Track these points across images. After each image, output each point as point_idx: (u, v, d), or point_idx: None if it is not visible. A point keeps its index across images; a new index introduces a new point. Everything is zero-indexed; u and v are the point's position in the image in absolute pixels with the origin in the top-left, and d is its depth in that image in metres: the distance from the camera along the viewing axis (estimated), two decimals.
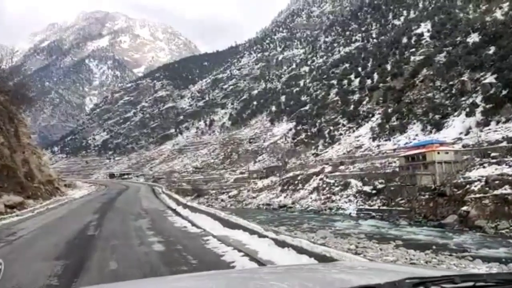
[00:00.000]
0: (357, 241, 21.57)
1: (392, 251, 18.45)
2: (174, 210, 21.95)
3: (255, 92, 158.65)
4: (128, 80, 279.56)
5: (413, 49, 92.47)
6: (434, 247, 21.09)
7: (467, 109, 50.02)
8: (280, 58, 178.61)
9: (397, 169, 43.01)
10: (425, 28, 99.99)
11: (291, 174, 66.54)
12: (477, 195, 29.27)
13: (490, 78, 50.62)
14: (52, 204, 26.92)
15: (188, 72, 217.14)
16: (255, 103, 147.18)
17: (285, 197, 60.80)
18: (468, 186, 31.10)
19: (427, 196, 33.95)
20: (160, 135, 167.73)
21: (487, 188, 29.45)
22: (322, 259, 6.78)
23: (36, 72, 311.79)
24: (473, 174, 32.86)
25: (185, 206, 21.93)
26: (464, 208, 29.30)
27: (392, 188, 39.20)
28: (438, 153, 37.52)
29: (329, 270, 2.56)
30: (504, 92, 45.38)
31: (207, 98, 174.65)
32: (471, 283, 1.46)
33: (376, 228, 30.61)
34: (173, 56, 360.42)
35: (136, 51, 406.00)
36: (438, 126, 52.05)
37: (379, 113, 72.72)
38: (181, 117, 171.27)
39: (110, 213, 21.73)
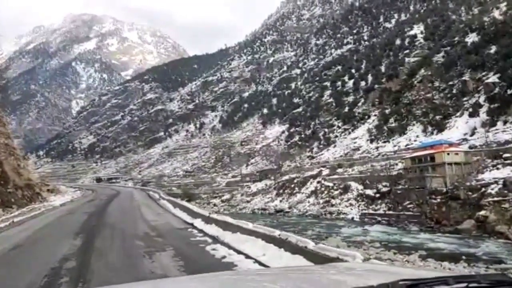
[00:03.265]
0: (376, 251, 19.31)
1: (422, 264, 16.25)
2: (193, 226, 15.47)
3: (246, 94, 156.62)
4: (116, 83, 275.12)
5: (407, 51, 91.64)
6: (463, 257, 18.98)
7: (470, 109, 48.42)
8: (270, 61, 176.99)
9: (401, 171, 40.99)
10: (418, 30, 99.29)
11: (286, 177, 64.29)
12: (495, 199, 27.34)
13: (493, 78, 49.10)
14: (22, 215, 21.31)
15: (177, 75, 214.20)
16: (246, 105, 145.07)
17: (281, 201, 58.50)
18: (484, 189, 29.17)
19: (438, 200, 31.94)
20: (149, 138, 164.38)
21: (505, 191, 27.54)
22: None
23: (22, 75, 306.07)
24: (487, 176, 30.97)
25: (207, 219, 15.54)
26: (482, 212, 27.31)
27: (398, 192, 37.13)
28: (448, 154, 35.59)
29: (326, 272, 2.47)
30: (509, 92, 43.82)
31: (197, 101, 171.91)
32: (464, 284, 1.46)
33: (387, 235, 28.44)
34: (162, 59, 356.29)
35: (124, 54, 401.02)
36: (440, 127, 50.28)
37: (375, 115, 71.00)
38: (171, 120, 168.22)
39: (100, 235, 14.19)
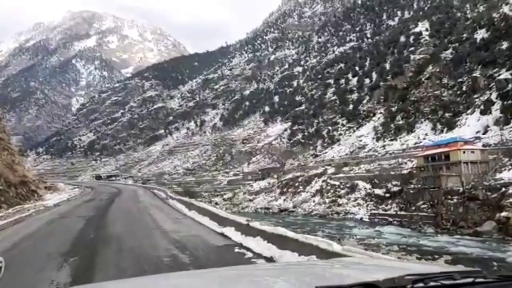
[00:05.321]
0: (397, 256, 17.82)
1: None
2: (233, 241, 11.32)
3: (247, 92, 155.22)
4: (116, 80, 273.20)
5: (412, 48, 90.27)
6: (494, 263, 17.54)
7: (482, 107, 46.95)
8: (272, 59, 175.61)
9: (413, 170, 39.48)
10: (423, 27, 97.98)
11: (290, 175, 62.78)
12: None
13: (505, 74, 47.64)
14: (5, 219, 17.74)
15: (178, 72, 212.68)
16: (247, 103, 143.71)
17: (285, 200, 57.00)
18: (504, 189, 27.71)
19: (455, 200, 30.43)
20: (149, 136, 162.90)
21: None
22: None
23: (21, 72, 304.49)
24: (506, 175, 29.56)
25: (245, 229, 11.62)
26: (503, 214, 25.88)
27: (411, 191, 35.62)
28: (464, 152, 34.15)
29: (331, 266, 2.46)
30: None
31: (197, 99, 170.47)
32: (470, 279, 1.46)
33: (403, 237, 26.99)
34: (162, 57, 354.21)
35: (124, 51, 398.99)
36: (450, 125, 48.87)
37: (381, 113, 69.62)
38: (171, 118, 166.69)
39: (101, 261, 9.34)
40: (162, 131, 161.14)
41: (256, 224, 11.45)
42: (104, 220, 18.27)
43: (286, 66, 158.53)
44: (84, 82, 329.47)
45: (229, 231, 12.41)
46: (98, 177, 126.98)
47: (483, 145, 38.63)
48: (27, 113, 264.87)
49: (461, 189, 30.78)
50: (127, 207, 25.86)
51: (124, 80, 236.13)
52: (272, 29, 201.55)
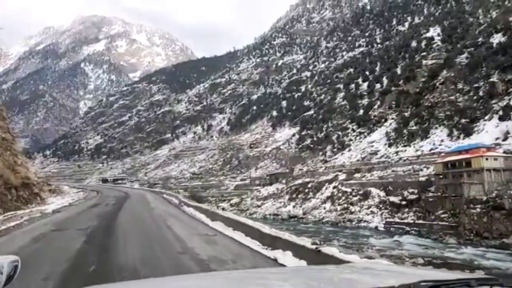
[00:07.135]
0: None
1: None
2: None
3: (255, 97, 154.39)
4: (124, 84, 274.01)
5: (424, 53, 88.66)
6: None
7: (500, 112, 45.23)
8: (279, 64, 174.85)
9: (431, 178, 37.82)
10: (434, 32, 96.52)
11: (299, 181, 61.36)
12: None
13: None
14: None
15: (185, 77, 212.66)
16: (254, 108, 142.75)
17: (294, 206, 55.53)
18: None
19: (478, 210, 28.80)
20: (155, 140, 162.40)
21: None
22: None
23: (30, 75, 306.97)
24: None
25: (312, 256, 7.57)
26: None
27: (430, 199, 33.98)
28: (487, 159, 32.52)
29: (341, 271, 2.41)
30: None
31: (204, 103, 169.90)
32: (487, 287, 1.44)
33: (425, 248, 25.47)
34: (170, 61, 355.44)
35: (132, 55, 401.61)
36: (467, 131, 47.14)
37: (392, 118, 67.96)
38: (178, 122, 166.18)
39: None
40: (169, 135, 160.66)
41: (333, 251, 7.12)
42: (111, 235, 13.89)
43: (294, 71, 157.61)
44: (92, 85, 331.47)
45: (287, 258, 8.36)
46: (105, 180, 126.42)
47: (504, 152, 37.00)
48: (35, 115, 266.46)
49: (485, 198, 29.18)
50: (139, 215, 22.14)
51: (132, 84, 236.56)
52: (280, 34, 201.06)
